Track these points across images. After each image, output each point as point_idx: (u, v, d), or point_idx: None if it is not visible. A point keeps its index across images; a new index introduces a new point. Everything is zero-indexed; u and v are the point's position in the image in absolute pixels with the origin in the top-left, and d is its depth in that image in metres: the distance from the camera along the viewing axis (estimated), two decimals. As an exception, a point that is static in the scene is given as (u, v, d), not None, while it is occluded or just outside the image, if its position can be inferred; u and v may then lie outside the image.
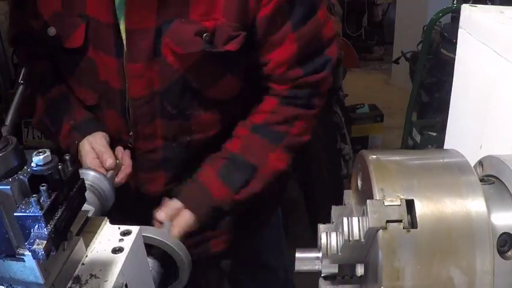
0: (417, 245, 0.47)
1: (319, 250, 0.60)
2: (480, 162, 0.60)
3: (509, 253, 0.51)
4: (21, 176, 0.67)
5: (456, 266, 0.47)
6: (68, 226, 0.69)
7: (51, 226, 0.65)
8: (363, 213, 0.50)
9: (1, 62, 3.04)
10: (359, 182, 0.59)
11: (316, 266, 0.61)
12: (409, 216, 0.48)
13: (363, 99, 3.86)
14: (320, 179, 2.81)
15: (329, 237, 0.56)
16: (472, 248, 0.47)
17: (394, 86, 4.82)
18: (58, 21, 1.16)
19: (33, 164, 0.66)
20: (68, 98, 1.27)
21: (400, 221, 0.47)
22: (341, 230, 0.53)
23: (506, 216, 0.52)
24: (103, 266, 0.78)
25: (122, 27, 1.13)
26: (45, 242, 0.64)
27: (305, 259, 0.63)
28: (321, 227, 0.60)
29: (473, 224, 0.48)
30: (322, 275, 0.61)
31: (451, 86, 0.81)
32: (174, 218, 1.17)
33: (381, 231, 0.47)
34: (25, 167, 0.68)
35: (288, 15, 1.14)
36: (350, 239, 0.50)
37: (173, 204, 1.19)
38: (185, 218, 1.18)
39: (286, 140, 1.25)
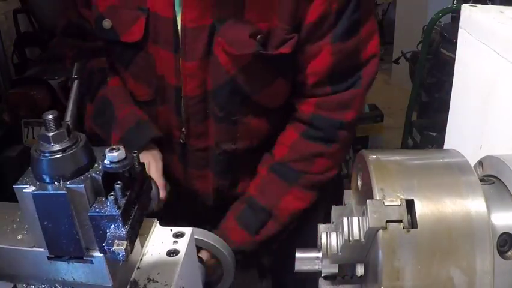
0: (417, 245, 0.47)
1: (319, 250, 0.60)
2: (480, 162, 0.60)
3: (509, 253, 0.51)
4: (93, 174, 0.63)
5: (456, 266, 0.47)
6: (139, 227, 0.66)
7: (129, 226, 0.62)
8: (363, 213, 0.50)
9: (1, 62, 3.04)
10: (359, 182, 0.59)
11: (316, 266, 0.61)
12: (409, 216, 0.48)
13: (363, 99, 3.85)
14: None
15: (329, 237, 0.56)
16: (472, 248, 0.47)
17: (394, 86, 4.81)
18: (114, 14, 1.14)
19: (106, 161, 0.62)
20: (111, 103, 1.25)
21: (400, 221, 0.47)
22: (341, 230, 0.53)
23: (506, 216, 0.52)
24: (160, 270, 0.75)
25: (179, 23, 1.11)
26: (125, 242, 0.61)
27: (305, 259, 0.63)
28: (321, 227, 0.60)
29: (473, 224, 0.48)
30: (322, 275, 0.61)
31: (451, 86, 0.81)
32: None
33: (381, 231, 0.47)
34: (95, 165, 0.65)
35: (331, 26, 1.10)
36: (350, 239, 0.50)
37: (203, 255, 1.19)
38: (204, 259, 1.18)
39: (305, 179, 1.22)
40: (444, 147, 0.82)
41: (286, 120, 1.25)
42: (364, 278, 0.56)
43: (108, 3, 1.14)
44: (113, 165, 0.62)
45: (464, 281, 0.47)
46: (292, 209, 1.24)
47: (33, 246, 0.70)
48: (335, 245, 0.55)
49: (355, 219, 0.50)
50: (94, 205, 0.62)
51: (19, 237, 0.73)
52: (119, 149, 0.62)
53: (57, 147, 0.63)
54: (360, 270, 0.56)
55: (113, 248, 0.60)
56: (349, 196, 0.65)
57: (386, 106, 4.03)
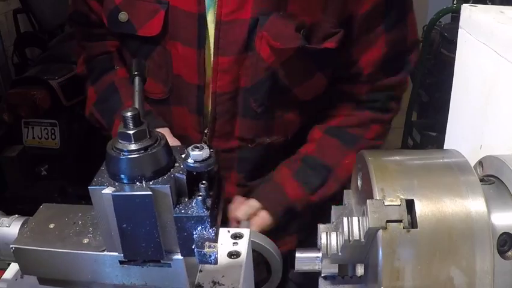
0: (417, 245, 0.47)
1: (319, 250, 0.60)
2: (480, 162, 0.60)
3: (509, 253, 0.51)
4: (177, 174, 0.60)
5: (456, 266, 0.47)
6: (219, 227, 0.62)
7: (216, 227, 0.59)
8: (363, 213, 0.50)
9: (1, 62, 3.04)
10: (359, 182, 0.59)
11: (317, 266, 0.61)
12: (409, 216, 0.48)
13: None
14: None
15: (328, 237, 0.56)
16: (472, 248, 0.47)
17: (394, 86, 4.81)
18: (131, 6, 1.10)
19: (190, 160, 0.59)
20: (118, 90, 1.22)
21: (400, 221, 0.48)
22: (341, 230, 0.53)
23: (506, 216, 0.52)
24: (224, 272, 0.73)
25: (210, 17, 1.07)
26: (216, 244, 0.58)
27: (305, 259, 0.63)
28: (321, 227, 0.60)
29: (473, 224, 0.48)
30: (322, 275, 0.61)
31: (451, 86, 0.81)
32: (251, 217, 1.16)
33: (381, 231, 0.47)
34: (176, 164, 0.61)
35: (383, 15, 1.10)
36: (350, 239, 0.50)
37: (252, 203, 1.17)
38: (263, 219, 1.16)
39: (361, 144, 1.22)
40: (444, 147, 0.82)
41: (320, 110, 1.25)
42: (364, 278, 0.56)
43: None
44: (197, 165, 0.58)
45: (464, 281, 0.47)
46: (347, 171, 1.17)
47: (104, 250, 0.66)
48: (335, 245, 0.55)
49: (355, 219, 0.50)
50: (179, 206, 0.59)
51: (85, 241, 0.68)
52: (203, 148, 0.59)
53: (138, 145, 0.59)
54: (360, 270, 0.56)
55: (205, 251, 0.57)
56: (349, 196, 0.65)
57: (386, 106, 4.03)
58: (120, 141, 0.60)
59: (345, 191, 0.67)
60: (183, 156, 0.60)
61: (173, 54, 1.11)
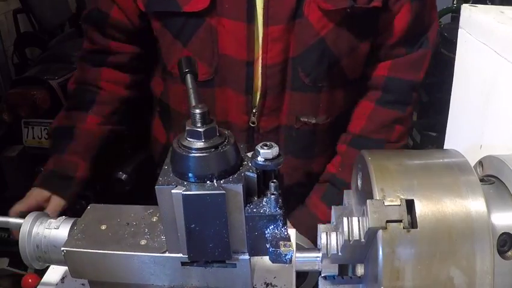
0: (417, 245, 0.47)
1: (319, 250, 0.60)
2: (480, 162, 0.60)
3: (509, 253, 0.51)
4: (247, 173, 0.58)
5: (456, 266, 0.47)
6: None
7: (286, 226, 0.58)
8: (363, 213, 0.50)
9: (1, 62, 3.04)
10: (359, 182, 0.59)
11: (317, 266, 0.61)
12: (409, 216, 0.48)
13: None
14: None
15: (328, 237, 0.56)
16: (472, 248, 0.47)
17: (394, 86, 4.81)
18: None
19: (259, 159, 0.57)
20: (72, 139, 1.22)
21: (400, 221, 0.47)
22: (340, 230, 0.53)
23: (506, 216, 0.52)
24: (276, 274, 0.72)
25: None
26: (291, 243, 0.57)
27: (305, 259, 0.63)
28: (321, 226, 0.60)
29: (473, 224, 0.48)
30: (322, 275, 0.61)
31: (451, 86, 0.80)
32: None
33: (381, 231, 0.47)
34: (244, 162, 0.60)
35: None
36: (350, 238, 0.50)
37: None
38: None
39: (386, 148, 1.23)
40: (444, 147, 0.82)
41: (359, 96, 1.25)
42: (364, 278, 0.56)
43: None
44: (267, 163, 0.57)
45: (464, 281, 0.46)
46: None
47: (165, 252, 0.64)
48: (335, 245, 0.55)
49: (355, 219, 0.50)
50: (249, 205, 0.58)
51: (142, 242, 0.67)
52: (272, 146, 0.57)
53: (208, 143, 0.57)
54: (360, 270, 0.56)
55: (281, 250, 0.56)
56: (349, 196, 0.65)
57: (386, 106, 4.03)
58: (189, 139, 0.58)
59: (345, 191, 0.67)
60: (250, 154, 0.59)
61: (220, 31, 1.10)
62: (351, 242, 0.50)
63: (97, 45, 1.25)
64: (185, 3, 1.08)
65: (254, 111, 1.16)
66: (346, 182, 1.20)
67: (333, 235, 0.56)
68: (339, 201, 1.20)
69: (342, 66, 1.15)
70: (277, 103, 1.15)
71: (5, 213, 0.84)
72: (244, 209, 0.58)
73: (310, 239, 1.20)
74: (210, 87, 1.15)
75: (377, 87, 1.22)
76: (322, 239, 0.56)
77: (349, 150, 1.23)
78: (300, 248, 0.66)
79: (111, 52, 1.25)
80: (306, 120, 1.18)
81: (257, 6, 1.08)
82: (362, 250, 0.52)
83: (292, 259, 0.59)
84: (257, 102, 1.15)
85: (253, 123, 1.17)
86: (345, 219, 0.51)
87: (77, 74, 1.31)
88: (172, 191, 0.58)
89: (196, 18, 1.10)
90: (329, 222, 1.20)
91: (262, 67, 1.11)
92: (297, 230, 1.18)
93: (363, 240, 0.49)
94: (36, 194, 1.17)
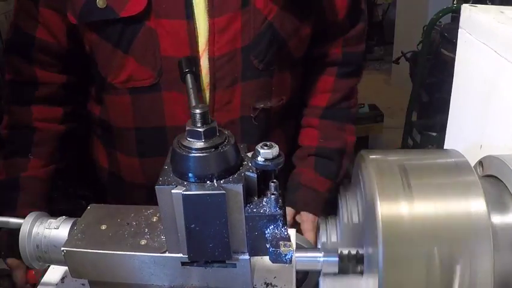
0: (417, 245, 0.47)
1: (319, 250, 0.60)
2: (480, 162, 0.60)
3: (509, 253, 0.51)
4: (247, 173, 0.58)
5: (456, 266, 0.47)
6: None
7: (287, 226, 0.57)
8: (361, 196, 0.50)
9: (1, 62, 3.03)
10: (358, 182, 0.59)
11: (317, 266, 0.61)
12: (409, 216, 0.48)
13: (363, 99, 3.86)
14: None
15: (329, 224, 0.56)
16: (472, 248, 0.47)
17: (394, 86, 4.81)
18: None
19: (259, 159, 0.57)
20: (20, 191, 1.17)
21: (400, 217, 0.47)
22: (340, 216, 0.53)
23: (506, 216, 0.52)
24: (276, 273, 0.72)
25: None
26: (291, 243, 0.56)
27: (305, 259, 0.63)
28: (322, 224, 0.60)
29: (473, 224, 0.48)
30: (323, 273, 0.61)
31: (451, 86, 0.81)
32: (297, 225, 1.25)
33: (381, 227, 0.47)
34: (244, 162, 0.60)
35: None
36: (348, 220, 0.50)
37: (290, 212, 1.26)
38: (312, 221, 1.25)
39: (352, 114, 1.35)
40: (444, 147, 0.82)
41: (305, 78, 1.33)
42: (364, 274, 0.56)
43: None
44: (267, 163, 0.57)
45: (464, 281, 0.46)
46: (352, 143, 1.35)
47: (165, 251, 0.64)
48: (335, 230, 0.55)
49: (353, 203, 0.50)
50: (249, 205, 0.58)
51: (142, 242, 0.67)
52: (272, 146, 0.57)
53: (209, 143, 0.57)
54: (360, 268, 0.56)
55: (281, 250, 0.56)
56: (347, 195, 0.65)
57: (386, 106, 4.04)
58: (189, 138, 0.58)
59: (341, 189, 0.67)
60: (250, 154, 0.59)
61: (160, 33, 1.07)
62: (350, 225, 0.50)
63: (23, 76, 1.20)
64: (121, 9, 1.05)
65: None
66: (330, 150, 1.31)
67: (333, 222, 0.55)
68: (333, 170, 1.30)
69: (289, 47, 1.18)
70: (228, 96, 1.14)
71: (5, 213, 0.84)
72: (244, 209, 0.58)
73: (318, 213, 1.25)
74: (156, 91, 1.13)
75: (334, 63, 1.31)
76: (321, 227, 0.56)
77: (323, 122, 1.32)
78: (300, 248, 0.66)
79: (39, 83, 1.20)
80: (262, 106, 1.19)
81: (196, 1, 1.07)
82: (360, 234, 0.52)
83: (292, 259, 0.59)
84: (207, 99, 1.14)
85: None
86: (343, 201, 0.51)
87: (7, 117, 1.24)
88: (172, 191, 0.58)
89: (134, 23, 1.07)
90: (328, 191, 1.28)
91: (209, 60, 1.10)
92: (306, 210, 1.25)
93: (361, 218, 0.49)
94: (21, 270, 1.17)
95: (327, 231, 0.57)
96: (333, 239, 0.56)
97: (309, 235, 1.22)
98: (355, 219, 0.55)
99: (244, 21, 1.09)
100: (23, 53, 1.19)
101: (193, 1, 1.07)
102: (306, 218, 1.26)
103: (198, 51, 1.09)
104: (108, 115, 1.23)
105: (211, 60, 1.10)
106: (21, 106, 1.21)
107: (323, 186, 1.29)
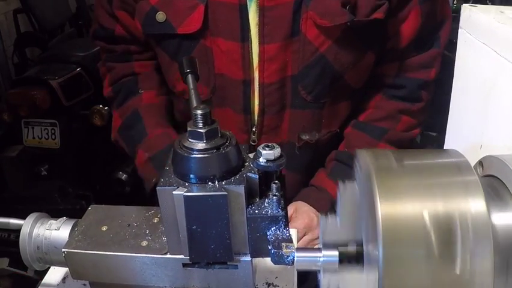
0: (416, 245, 0.47)
1: (319, 250, 0.60)
2: (480, 162, 0.60)
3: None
4: (249, 174, 0.58)
5: (456, 266, 0.47)
6: None
7: (288, 227, 0.57)
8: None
9: (1, 62, 3.04)
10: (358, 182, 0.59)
11: (317, 266, 0.61)
12: (409, 215, 0.48)
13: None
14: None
15: (329, 216, 0.56)
16: (472, 248, 0.47)
17: (394, 86, 4.81)
18: (169, 5, 1.08)
19: (261, 160, 0.57)
20: (142, 118, 1.20)
21: (400, 217, 0.47)
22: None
23: (506, 216, 0.52)
24: (277, 274, 0.72)
25: (253, 6, 1.05)
26: (293, 244, 0.56)
27: (306, 259, 0.62)
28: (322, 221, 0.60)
29: (473, 224, 0.48)
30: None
31: (451, 86, 0.81)
32: (295, 219, 1.16)
33: (381, 227, 0.47)
34: (246, 163, 0.60)
35: None
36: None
37: (292, 206, 1.19)
38: (306, 212, 1.17)
39: (390, 135, 1.21)
40: (444, 147, 0.82)
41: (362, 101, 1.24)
42: (364, 270, 0.56)
43: None
44: (269, 164, 0.57)
45: (464, 281, 0.47)
46: None
47: (166, 253, 0.64)
48: (335, 220, 0.55)
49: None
50: (251, 206, 0.57)
51: (144, 243, 0.66)
52: (274, 147, 0.57)
53: (210, 144, 0.57)
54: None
55: (283, 251, 0.55)
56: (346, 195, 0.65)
57: (386, 106, 4.03)
58: (190, 139, 0.58)
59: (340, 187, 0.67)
60: (251, 155, 0.59)
61: (215, 51, 1.09)
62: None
63: (117, 51, 1.26)
64: (179, 25, 1.08)
65: (254, 129, 1.15)
66: (352, 156, 1.17)
67: (333, 220, 0.55)
68: (346, 176, 1.18)
69: (345, 79, 1.13)
70: (277, 121, 1.14)
71: (5, 213, 0.84)
72: (246, 210, 0.58)
73: (319, 210, 1.18)
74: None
75: (386, 84, 1.21)
76: (322, 219, 0.55)
77: (353, 132, 1.23)
78: (300, 248, 0.66)
79: (133, 52, 1.25)
80: (307, 138, 1.16)
81: (251, 25, 1.06)
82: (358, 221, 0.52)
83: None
84: (256, 121, 1.14)
85: (254, 141, 1.16)
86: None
87: (108, 76, 1.28)
88: (174, 192, 0.57)
89: (190, 40, 1.09)
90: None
91: (259, 86, 1.10)
92: (303, 201, 1.17)
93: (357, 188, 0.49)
94: None
95: (327, 228, 0.57)
96: (334, 236, 0.56)
97: (295, 224, 1.14)
98: (355, 215, 0.55)
99: (294, 50, 1.07)
100: (109, 41, 1.25)
101: (250, 25, 1.07)
102: (307, 215, 1.17)
103: (250, 75, 1.10)
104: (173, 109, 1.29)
105: (261, 86, 1.10)
106: (120, 63, 1.26)
107: (333, 189, 1.19)
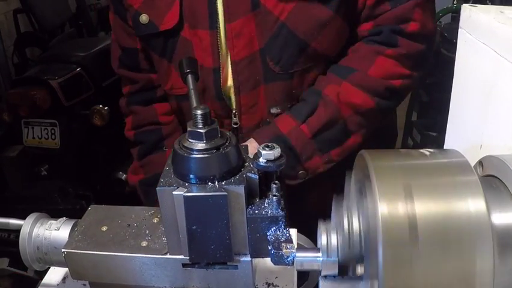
0: (416, 245, 0.47)
1: (319, 250, 0.60)
2: (480, 162, 0.60)
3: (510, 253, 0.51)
4: (249, 174, 0.58)
5: (456, 266, 0.47)
6: None
7: (288, 228, 0.57)
8: (363, 211, 0.50)
9: (1, 62, 3.04)
10: (358, 183, 0.59)
11: (317, 266, 0.61)
12: (409, 216, 0.48)
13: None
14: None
15: (329, 237, 0.56)
16: (472, 248, 0.47)
17: (394, 86, 4.80)
18: (150, 6, 1.13)
19: (261, 160, 0.57)
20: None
21: (400, 218, 0.47)
22: (341, 228, 0.53)
23: (506, 216, 0.52)
24: (277, 274, 0.72)
25: None
26: (293, 244, 0.56)
27: (306, 259, 0.62)
28: (321, 226, 0.60)
29: (473, 224, 0.48)
30: (322, 275, 0.61)
31: (451, 86, 0.81)
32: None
33: (381, 230, 0.47)
34: (246, 163, 0.59)
35: None
36: (350, 234, 0.50)
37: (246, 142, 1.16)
38: (252, 148, 1.10)
39: (357, 76, 1.11)
40: (444, 147, 0.82)
41: None
42: (364, 276, 0.56)
43: None
44: (269, 164, 0.56)
45: (464, 281, 0.47)
46: (346, 98, 1.11)
47: (166, 253, 0.64)
48: (335, 244, 0.55)
49: (355, 218, 0.50)
50: (251, 207, 0.57)
51: (143, 243, 0.66)
52: (274, 147, 0.57)
53: (210, 144, 0.57)
54: (360, 270, 0.56)
55: (283, 252, 0.55)
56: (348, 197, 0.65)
57: (386, 106, 4.03)
58: (190, 140, 0.57)
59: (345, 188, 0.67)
60: (251, 155, 0.58)
61: (194, 43, 1.13)
62: (350, 239, 0.50)
63: (139, 84, 1.28)
64: (160, 23, 1.13)
65: (234, 111, 1.17)
66: (311, 90, 1.14)
67: (334, 236, 0.55)
68: (302, 110, 1.10)
69: (313, 47, 1.11)
70: (253, 99, 1.15)
71: (5, 213, 0.84)
72: (246, 210, 0.57)
73: (258, 141, 1.13)
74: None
75: (362, 37, 1.16)
76: (322, 240, 0.56)
77: (328, 75, 1.16)
78: (300, 248, 0.66)
79: (155, 86, 1.27)
80: (278, 111, 1.16)
81: (219, 11, 1.10)
82: (361, 248, 0.52)
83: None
84: (234, 102, 1.16)
85: (236, 123, 1.18)
86: (345, 218, 0.51)
87: (131, 118, 1.31)
88: (174, 192, 0.57)
89: (173, 36, 1.14)
90: (288, 132, 1.09)
91: (231, 64, 1.13)
92: (254, 137, 1.14)
93: (362, 235, 0.49)
94: None
95: (327, 233, 0.57)
96: (333, 241, 0.56)
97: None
98: (355, 224, 0.55)
99: (257, 24, 1.09)
100: (132, 66, 1.27)
101: (218, 10, 1.10)
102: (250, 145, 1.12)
103: (219, 60, 1.13)
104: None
105: (233, 64, 1.12)
106: (143, 106, 1.29)
107: (284, 123, 1.13)
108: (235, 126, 1.18)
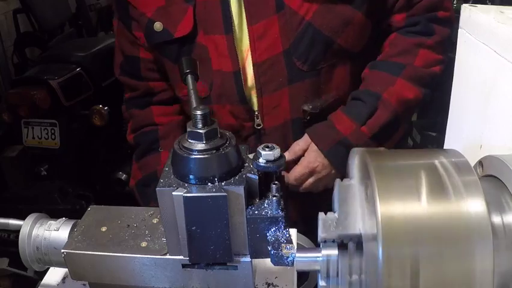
0: (416, 244, 0.47)
1: (319, 250, 0.60)
2: (480, 162, 0.60)
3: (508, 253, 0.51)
4: (248, 175, 0.58)
5: (456, 266, 0.47)
6: None
7: (288, 228, 0.57)
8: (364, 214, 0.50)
9: (1, 62, 3.04)
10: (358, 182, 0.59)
11: (317, 266, 0.61)
12: (409, 215, 0.48)
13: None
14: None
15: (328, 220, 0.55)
16: (472, 248, 0.47)
17: (394, 86, 4.80)
18: (164, 14, 1.14)
19: (261, 160, 0.57)
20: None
21: (400, 217, 0.47)
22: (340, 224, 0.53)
23: (506, 216, 0.52)
24: (277, 274, 0.72)
25: None
26: (293, 245, 0.56)
27: (306, 259, 0.62)
28: (321, 218, 0.60)
29: (473, 224, 0.48)
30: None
31: (451, 86, 0.81)
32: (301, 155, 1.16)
33: (380, 228, 0.47)
34: (245, 164, 0.59)
35: None
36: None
37: (298, 142, 1.18)
38: (313, 153, 1.16)
39: (409, 71, 1.17)
40: (444, 147, 0.82)
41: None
42: (364, 276, 0.56)
43: (155, 6, 1.14)
44: (269, 165, 0.56)
45: (464, 281, 0.46)
46: (402, 96, 1.16)
47: (166, 254, 0.64)
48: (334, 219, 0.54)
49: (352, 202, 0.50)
50: (251, 207, 0.57)
51: (143, 244, 0.66)
52: (273, 148, 0.57)
53: (210, 145, 0.57)
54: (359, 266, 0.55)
55: (283, 252, 0.55)
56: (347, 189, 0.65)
57: (386, 106, 4.03)
58: (190, 140, 0.57)
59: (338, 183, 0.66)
60: (251, 156, 0.59)
61: (210, 49, 1.14)
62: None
63: (139, 90, 1.29)
64: (175, 30, 1.14)
65: (256, 113, 1.17)
66: (369, 92, 1.17)
67: (333, 217, 0.54)
68: (361, 112, 1.14)
69: (339, 43, 1.14)
70: (276, 100, 1.16)
71: (5, 213, 0.84)
72: (246, 211, 0.57)
73: (326, 149, 1.15)
74: (208, 104, 1.17)
75: (397, 28, 1.20)
76: (321, 222, 0.55)
77: (371, 72, 1.21)
78: (300, 248, 0.66)
79: (154, 93, 1.29)
80: (310, 108, 1.17)
81: (233, 15, 1.11)
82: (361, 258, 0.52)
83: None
84: (256, 104, 1.17)
85: (259, 125, 1.18)
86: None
87: (130, 123, 1.33)
88: (173, 193, 0.57)
89: (188, 43, 1.15)
90: (349, 134, 1.13)
91: (253, 67, 1.13)
92: (312, 139, 1.16)
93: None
94: None
95: (326, 225, 0.57)
96: (333, 234, 0.56)
97: (300, 166, 1.15)
98: (355, 226, 0.55)
99: (281, 25, 1.10)
100: (134, 74, 1.28)
101: (232, 14, 1.11)
102: (309, 149, 1.17)
103: (239, 64, 1.13)
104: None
105: (255, 66, 1.13)
106: (141, 109, 1.30)
107: (343, 124, 1.16)
108: (258, 127, 1.19)
